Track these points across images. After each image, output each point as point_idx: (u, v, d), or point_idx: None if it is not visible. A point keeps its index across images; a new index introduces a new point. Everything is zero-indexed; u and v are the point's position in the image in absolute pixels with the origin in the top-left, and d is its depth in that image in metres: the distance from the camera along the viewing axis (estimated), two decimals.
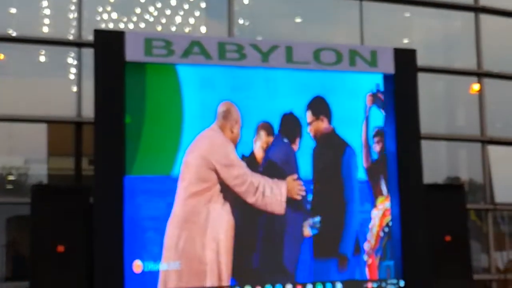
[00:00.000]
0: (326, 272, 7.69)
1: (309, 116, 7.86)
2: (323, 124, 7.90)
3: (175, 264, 7.17)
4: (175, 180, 7.25)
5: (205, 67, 7.52)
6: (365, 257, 7.86)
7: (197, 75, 7.51)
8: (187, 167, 7.29)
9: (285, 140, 7.69)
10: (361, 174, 7.95)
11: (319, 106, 7.89)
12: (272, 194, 7.49)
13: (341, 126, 7.95)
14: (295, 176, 7.62)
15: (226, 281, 7.31)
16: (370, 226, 7.93)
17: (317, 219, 7.70)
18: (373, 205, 7.97)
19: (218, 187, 7.34)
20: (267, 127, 7.64)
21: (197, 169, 7.30)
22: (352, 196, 7.88)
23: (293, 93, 7.85)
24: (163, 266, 7.14)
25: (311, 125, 7.85)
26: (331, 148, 7.91)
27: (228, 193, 7.38)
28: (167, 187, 7.23)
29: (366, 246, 7.88)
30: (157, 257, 7.14)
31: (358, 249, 7.84)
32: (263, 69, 7.72)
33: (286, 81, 7.83)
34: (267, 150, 7.60)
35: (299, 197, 7.61)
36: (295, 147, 7.73)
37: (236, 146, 7.47)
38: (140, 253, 7.10)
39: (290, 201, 7.59)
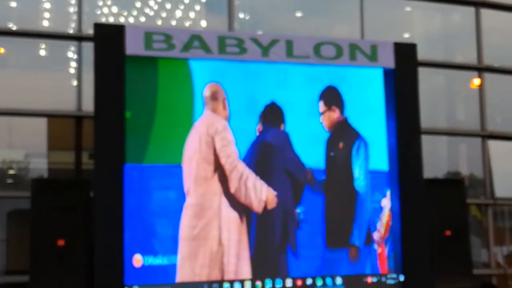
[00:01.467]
0: (338, 262, 7.71)
1: (321, 106, 7.87)
2: (335, 114, 7.92)
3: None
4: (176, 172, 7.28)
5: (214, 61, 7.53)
6: (375, 247, 7.88)
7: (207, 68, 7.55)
8: (189, 160, 7.33)
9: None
10: (373, 164, 7.95)
11: (331, 96, 7.90)
12: (254, 189, 7.45)
13: (353, 116, 7.98)
14: (275, 193, 7.58)
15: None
16: (380, 215, 7.94)
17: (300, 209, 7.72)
18: (384, 194, 7.97)
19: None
20: None
21: (200, 155, 7.33)
22: (362, 186, 7.89)
23: (303, 83, 7.87)
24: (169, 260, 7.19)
25: (323, 115, 7.87)
26: (343, 138, 7.93)
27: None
28: (169, 178, 7.26)
29: (376, 235, 7.90)
30: (157, 252, 7.15)
31: (369, 239, 7.88)
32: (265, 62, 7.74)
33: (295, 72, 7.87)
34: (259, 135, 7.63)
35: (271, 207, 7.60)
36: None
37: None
38: (140, 247, 7.11)
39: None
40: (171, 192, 7.28)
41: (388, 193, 8.02)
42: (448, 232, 8.25)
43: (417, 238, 7.90)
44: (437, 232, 8.17)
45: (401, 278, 7.90)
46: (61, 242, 6.98)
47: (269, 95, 7.71)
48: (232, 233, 7.37)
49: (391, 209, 7.99)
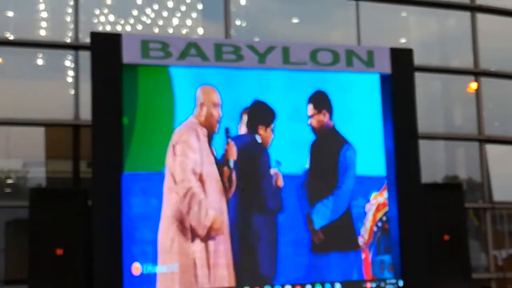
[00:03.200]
0: (324, 268, 7.71)
1: (310, 109, 7.88)
2: (325, 118, 7.93)
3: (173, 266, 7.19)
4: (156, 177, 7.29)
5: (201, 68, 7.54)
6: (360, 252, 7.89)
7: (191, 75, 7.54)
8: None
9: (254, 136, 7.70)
10: (358, 169, 7.96)
11: (321, 100, 7.91)
12: (198, 211, 7.35)
13: (340, 121, 7.98)
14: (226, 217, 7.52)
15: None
16: (364, 221, 7.94)
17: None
18: (368, 199, 7.98)
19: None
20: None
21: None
22: (346, 191, 7.90)
23: (293, 86, 7.89)
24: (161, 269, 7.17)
25: (312, 118, 7.87)
26: (330, 143, 7.92)
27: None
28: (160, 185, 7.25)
29: (360, 241, 7.90)
30: (156, 259, 7.15)
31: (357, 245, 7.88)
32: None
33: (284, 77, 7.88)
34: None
35: None
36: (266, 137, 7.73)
37: (216, 129, 7.48)
38: (139, 256, 7.10)
39: None
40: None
41: (372, 197, 8.01)
42: (446, 237, 8.25)
43: (416, 243, 7.91)
44: (435, 236, 8.17)
45: (400, 283, 7.90)
46: (59, 251, 6.97)
47: (251, 99, 7.70)
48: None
49: (389, 214, 8.00)
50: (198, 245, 7.25)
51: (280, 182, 7.66)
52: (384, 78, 8.19)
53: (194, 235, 7.23)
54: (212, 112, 7.49)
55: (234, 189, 7.52)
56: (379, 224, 7.99)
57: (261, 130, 7.68)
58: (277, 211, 7.64)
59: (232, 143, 7.50)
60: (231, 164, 7.49)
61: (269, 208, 7.61)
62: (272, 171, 7.65)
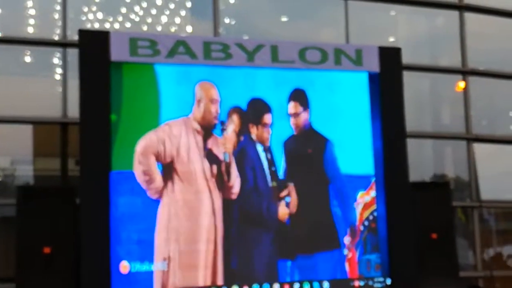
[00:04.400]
0: (310, 267, 7.72)
1: (291, 107, 7.88)
2: (304, 117, 7.91)
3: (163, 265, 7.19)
4: None
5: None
6: (345, 251, 7.89)
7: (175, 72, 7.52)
8: None
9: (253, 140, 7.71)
10: (343, 168, 7.98)
11: (301, 98, 7.90)
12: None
13: (319, 120, 7.97)
14: None
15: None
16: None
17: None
18: (354, 199, 8.00)
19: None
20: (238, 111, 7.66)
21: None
22: (332, 190, 7.92)
23: (274, 84, 7.88)
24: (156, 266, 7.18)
25: (293, 118, 7.87)
26: (310, 142, 7.92)
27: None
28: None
29: (347, 240, 7.91)
30: (144, 258, 7.14)
31: (338, 244, 7.89)
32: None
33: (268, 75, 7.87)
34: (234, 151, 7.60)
35: None
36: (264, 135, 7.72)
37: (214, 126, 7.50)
38: (127, 254, 7.09)
39: None
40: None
41: (359, 196, 8.03)
42: (434, 235, 8.28)
43: (404, 241, 7.92)
44: (423, 235, 8.20)
45: (388, 281, 7.92)
46: (47, 250, 6.95)
47: (234, 99, 7.68)
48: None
49: (377, 213, 8.02)
50: (187, 246, 7.26)
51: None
52: (372, 77, 8.20)
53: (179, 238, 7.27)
54: (209, 108, 7.49)
55: (236, 182, 7.52)
56: (366, 223, 8.01)
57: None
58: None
59: (227, 135, 7.50)
60: (227, 157, 7.49)
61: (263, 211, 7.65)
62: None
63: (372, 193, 8.06)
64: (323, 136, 7.96)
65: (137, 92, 7.36)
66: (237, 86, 7.71)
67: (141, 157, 7.20)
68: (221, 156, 7.50)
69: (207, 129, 7.48)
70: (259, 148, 7.70)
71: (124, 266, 7.07)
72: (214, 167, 7.46)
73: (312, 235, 7.80)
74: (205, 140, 7.46)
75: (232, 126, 7.59)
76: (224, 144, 7.50)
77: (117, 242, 7.02)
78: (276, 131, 7.77)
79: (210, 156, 7.47)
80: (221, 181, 7.47)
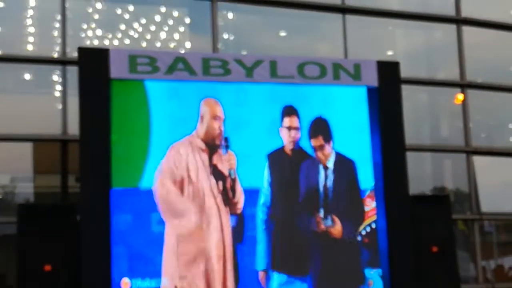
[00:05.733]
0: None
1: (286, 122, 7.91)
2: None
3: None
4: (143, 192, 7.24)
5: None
6: None
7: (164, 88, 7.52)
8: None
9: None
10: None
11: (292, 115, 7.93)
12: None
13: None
14: None
15: None
16: None
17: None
18: None
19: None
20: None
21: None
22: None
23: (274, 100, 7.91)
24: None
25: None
26: (294, 158, 7.92)
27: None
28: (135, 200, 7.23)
29: None
30: (145, 274, 7.13)
31: None
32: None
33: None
34: None
35: None
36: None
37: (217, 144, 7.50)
38: (128, 271, 7.09)
39: None
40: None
41: None
42: (435, 248, 8.26)
43: (404, 254, 7.91)
44: (424, 248, 8.18)
45: None
46: (48, 267, 6.93)
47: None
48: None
49: (377, 226, 8.01)
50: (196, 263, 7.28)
51: None
52: (371, 91, 8.22)
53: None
54: (213, 125, 7.51)
55: (241, 198, 7.54)
56: (359, 237, 7.98)
57: None
58: None
59: (231, 152, 7.52)
60: (232, 173, 7.51)
61: None
62: None
63: (371, 203, 8.06)
64: (306, 152, 7.95)
65: (129, 109, 7.35)
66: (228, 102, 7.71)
67: (161, 187, 7.24)
68: (226, 172, 7.51)
69: (211, 146, 7.49)
70: None
71: (125, 283, 7.06)
72: (220, 184, 7.47)
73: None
74: (210, 157, 7.48)
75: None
76: (229, 160, 7.51)
77: (118, 259, 7.01)
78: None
79: (216, 173, 7.49)
80: (227, 198, 7.48)
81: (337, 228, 7.80)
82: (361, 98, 8.21)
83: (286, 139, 7.81)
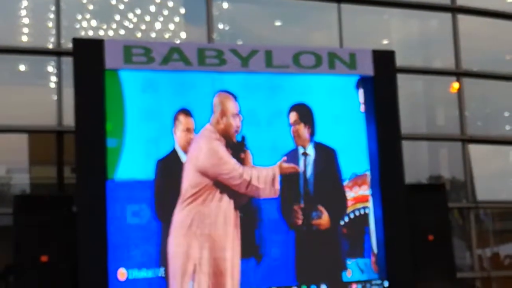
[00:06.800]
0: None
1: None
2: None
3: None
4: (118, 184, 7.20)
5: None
6: None
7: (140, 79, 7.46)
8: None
9: None
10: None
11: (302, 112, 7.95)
12: (265, 185, 7.47)
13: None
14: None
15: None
16: None
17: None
18: None
19: (211, 187, 7.38)
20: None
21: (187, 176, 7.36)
22: None
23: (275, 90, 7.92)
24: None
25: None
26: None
27: (224, 189, 7.43)
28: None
29: None
30: (141, 265, 7.15)
31: None
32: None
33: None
34: None
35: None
36: None
37: (231, 135, 7.50)
38: (125, 261, 7.10)
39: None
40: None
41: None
42: (431, 237, 8.29)
43: (401, 243, 7.94)
44: (420, 237, 8.21)
45: (386, 284, 7.93)
46: (44, 258, 6.95)
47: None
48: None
49: (374, 215, 8.04)
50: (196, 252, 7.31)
51: None
52: (366, 80, 8.22)
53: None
54: (230, 121, 7.51)
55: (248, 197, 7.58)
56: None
57: None
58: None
59: (248, 151, 7.53)
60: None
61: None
62: None
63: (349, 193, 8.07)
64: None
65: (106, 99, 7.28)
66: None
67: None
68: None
69: (228, 142, 7.51)
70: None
71: (122, 273, 7.07)
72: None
73: None
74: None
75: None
76: (245, 157, 7.53)
77: (114, 249, 7.02)
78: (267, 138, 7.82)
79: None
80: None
81: (324, 219, 7.81)
82: (343, 86, 8.17)
83: None
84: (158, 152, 7.35)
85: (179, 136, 7.42)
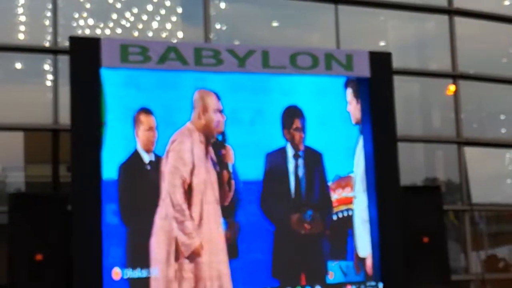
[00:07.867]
0: None
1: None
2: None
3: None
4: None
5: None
6: None
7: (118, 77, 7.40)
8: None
9: None
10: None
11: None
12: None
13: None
14: None
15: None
16: None
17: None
18: None
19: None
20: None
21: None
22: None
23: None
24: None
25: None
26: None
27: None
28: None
29: None
30: (136, 264, 7.13)
31: None
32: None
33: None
34: None
35: None
36: None
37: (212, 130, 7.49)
38: (119, 261, 7.09)
39: None
40: None
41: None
42: (425, 239, 8.29)
43: (395, 245, 7.95)
44: (414, 239, 8.22)
45: (380, 285, 7.94)
46: (39, 257, 6.93)
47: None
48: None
49: (369, 217, 8.04)
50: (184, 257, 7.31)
51: None
52: (363, 81, 8.23)
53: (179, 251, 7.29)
54: (212, 117, 7.50)
55: (232, 193, 7.54)
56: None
57: None
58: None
59: (229, 147, 7.51)
60: (230, 167, 7.50)
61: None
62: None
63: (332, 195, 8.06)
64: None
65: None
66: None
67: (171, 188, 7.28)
68: (223, 166, 7.52)
69: (209, 139, 7.50)
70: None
71: (116, 273, 7.07)
72: (216, 176, 7.50)
73: None
74: (206, 149, 7.49)
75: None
76: (226, 154, 7.51)
77: (108, 249, 7.01)
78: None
79: (219, 165, 7.53)
80: (222, 190, 7.50)
81: (316, 222, 7.82)
82: (331, 87, 8.18)
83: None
84: (120, 154, 7.28)
85: (141, 136, 7.38)
